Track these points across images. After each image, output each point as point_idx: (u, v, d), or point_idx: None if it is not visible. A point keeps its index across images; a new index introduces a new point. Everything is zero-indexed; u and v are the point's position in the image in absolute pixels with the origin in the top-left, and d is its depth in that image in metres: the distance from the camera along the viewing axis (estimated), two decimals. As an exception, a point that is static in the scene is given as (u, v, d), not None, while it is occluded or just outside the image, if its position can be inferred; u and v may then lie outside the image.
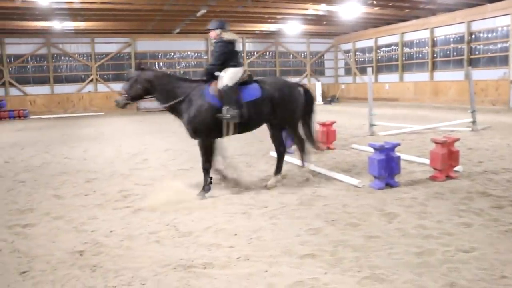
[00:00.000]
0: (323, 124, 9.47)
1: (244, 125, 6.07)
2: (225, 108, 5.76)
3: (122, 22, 24.36)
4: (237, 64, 6.11)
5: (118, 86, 28.56)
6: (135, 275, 3.47)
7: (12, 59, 27.24)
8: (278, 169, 6.52)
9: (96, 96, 28.51)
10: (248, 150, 9.73)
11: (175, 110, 6.04)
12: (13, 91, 27.29)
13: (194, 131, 5.96)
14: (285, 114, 6.23)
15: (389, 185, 5.95)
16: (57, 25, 23.56)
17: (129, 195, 6.04)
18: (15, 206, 5.69)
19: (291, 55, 32.86)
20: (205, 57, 30.54)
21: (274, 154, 8.59)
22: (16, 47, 27.15)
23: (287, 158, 8.19)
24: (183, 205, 5.36)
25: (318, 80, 31.74)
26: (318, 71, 33.70)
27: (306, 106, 6.52)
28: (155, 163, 8.50)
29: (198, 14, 21.39)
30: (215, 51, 6.11)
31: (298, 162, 7.74)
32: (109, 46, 28.58)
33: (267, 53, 32.43)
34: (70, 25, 24.03)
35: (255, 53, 31.87)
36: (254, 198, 5.64)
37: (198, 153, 9.14)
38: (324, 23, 26.55)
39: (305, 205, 5.31)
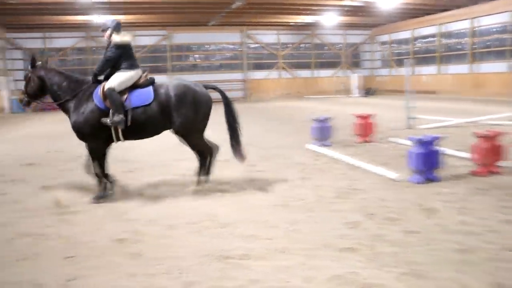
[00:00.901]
0: (360, 117, 9.35)
1: (135, 132, 5.60)
2: (111, 113, 5.36)
3: (159, 15, 24.65)
4: (129, 67, 5.64)
5: (155, 78, 28.95)
6: (174, 264, 3.52)
7: (55, 53, 27.99)
8: (206, 171, 5.94)
9: (135, 88, 28.97)
10: (284, 142, 9.71)
11: (65, 109, 5.69)
12: (55, 83, 27.96)
13: (78, 133, 5.62)
14: (183, 120, 5.56)
15: (429, 179, 5.84)
16: (97, 18, 24.04)
17: (170, 185, 6.15)
18: (61, 194, 5.86)
19: (327, 47, 32.51)
20: (240, 49, 30.56)
21: (311, 147, 8.58)
22: (58, 41, 27.89)
23: (324, 150, 8.16)
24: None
25: (354, 73, 31.30)
26: (354, 63, 33.25)
27: (226, 111, 6.18)
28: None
29: (234, 6, 21.41)
30: (103, 56, 5.73)
31: (332, 154, 7.70)
32: (146, 38, 28.95)
33: (302, 45, 32.19)
34: (109, 18, 24.42)
35: (290, 45, 31.66)
36: (291, 191, 5.64)
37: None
38: (361, 14, 26.14)
39: (342, 198, 5.27)
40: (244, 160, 6.10)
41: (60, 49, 28.04)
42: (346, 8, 24.05)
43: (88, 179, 6.63)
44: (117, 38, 5.70)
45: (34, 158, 8.93)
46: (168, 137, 11.06)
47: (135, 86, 5.62)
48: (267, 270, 3.38)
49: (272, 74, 31.33)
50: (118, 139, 5.62)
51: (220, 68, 30.57)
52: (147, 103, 5.50)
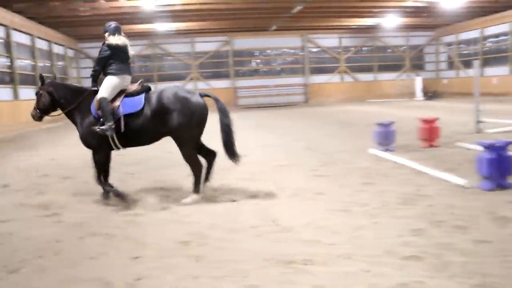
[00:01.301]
0: (425, 121, 9.05)
1: (131, 138, 5.70)
2: (102, 121, 5.49)
3: (220, 21, 25.09)
4: (118, 71, 5.74)
5: (217, 83, 29.57)
6: (237, 267, 3.54)
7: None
8: (197, 189, 5.73)
9: (197, 93, 29.61)
10: (346, 146, 9.56)
11: (72, 119, 5.97)
12: (122, 90, 29.13)
13: (85, 144, 5.86)
14: (176, 127, 5.55)
15: (501, 186, 5.54)
16: (159, 26, 24.83)
17: (230, 189, 6.21)
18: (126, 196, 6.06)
19: (389, 50, 31.80)
20: (301, 53, 30.51)
21: (373, 151, 8.40)
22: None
23: (388, 155, 7.97)
24: None
25: (418, 75, 30.39)
26: (418, 66, 32.30)
27: (220, 116, 6.01)
28: (255, 158, 8.63)
29: (294, 10, 21.42)
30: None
31: (396, 159, 7.49)
32: (208, 45, 29.61)
33: (364, 48, 31.67)
34: (172, 26, 25.20)
35: (352, 48, 31.24)
36: (354, 196, 5.53)
37: (297, 149, 9.29)
38: (424, 15, 25.40)
39: (408, 204, 5.10)
40: (239, 162, 6.03)
41: (126, 57, 29.14)
42: (408, 9, 23.47)
43: (152, 183, 6.85)
44: (111, 39, 5.80)
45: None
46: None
47: (129, 94, 5.74)
48: (330, 276, 3.33)
49: (334, 78, 31.06)
50: (116, 147, 5.77)
51: (281, 72, 30.66)
52: (138, 110, 5.57)
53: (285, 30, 28.79)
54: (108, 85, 5.67)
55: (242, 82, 30.09)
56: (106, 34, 5.89)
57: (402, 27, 29.00)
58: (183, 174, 7.38)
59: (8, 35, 18.97)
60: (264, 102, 29.29)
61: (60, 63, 25.77)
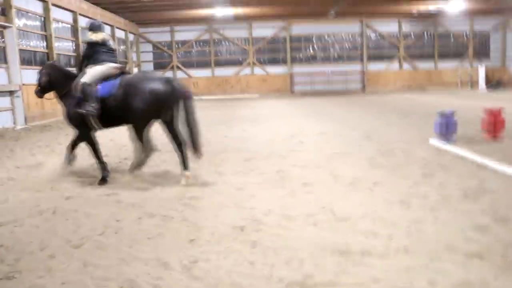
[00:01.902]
0: (490, 111, 8.60)
1: (107, 119, 6.09)
2: (84, 103, 5.96)
3: (278, 6, 24.87)
4: (99, 62, 6.24)
5: (273, 69, 29.51)
6: (292, 255, 3.50)
7: (180, 45, 29.65)
8: (184, 165, 6.00)
9: (253, 79, 29.74)
10: (404, 136, 9.26)
11: (61, 101, 6.46)
12: (179, 74, 29.80)
13: (69, 122, 6.37)
14: (133, 110, 5.80)
15: None
16: (218, 12, 24.95)
17: (286, 176, 6.15)
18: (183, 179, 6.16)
19: (452, 37, 30.46)
20: (359, 40, 29.82)
21: (434, 142, 8.10)
22: (183, 34, 29.51)
23: (449, 147, 7.65)
24: None
25: (481, 64, 28.93)
26: (482, 53, 30.74)
27: (175, 103, 5.88)
28: (311, 145, 8.56)
29: (354, -5, 20.91)
30: None
31: (458, 150, 7.19)
32: (265, 30, 29.50)
33: (425, 35, 30.51)
34: (230, 11, 25.25)
35: (412, 35, 30.17)
36: (413, 187, 5.33)
37: (353, 138, 9.10)
38: (492, -1, 24.08)
39: (470, 198, 4.87)
40: (201, 156, 6.06)
41: (184, 42, 29.63)
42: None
43: (208, 166, 6.91)
44: (92, 36, 6.41)
45: (157, 144, 9.45)
46: (282, 128, 11.20)
47: (107, 78, 6.19)
48: (388, 269, 3.23)
49: (392, 65, 30.19)
50: (97, 126, 6.21)
51: (338, 59, 30.13)
52: (110, 93, 6.00)
53: (344, 15, 28.16)
54: (92, 73, 6.20)
55: (299, 69, 29.83)
56: (89, 33, 6.48)
57: (466, 13, 27.64)
58: (239, 160, 7.43)
59: (75, 21, 19.68)
60: (321, 89, 28.96)
61: (121, 47, 26.49)
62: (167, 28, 29.36)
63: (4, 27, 14.17)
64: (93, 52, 6.36)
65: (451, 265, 3.26)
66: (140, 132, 6.03)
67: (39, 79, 6.68)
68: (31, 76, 15.59)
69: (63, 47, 18.88)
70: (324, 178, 5.95)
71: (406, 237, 3.81)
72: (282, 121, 13.21)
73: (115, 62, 6.48)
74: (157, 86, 5.83)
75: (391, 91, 28.38)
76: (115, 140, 10.43)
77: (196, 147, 5.97)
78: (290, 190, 5.43)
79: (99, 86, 6.08)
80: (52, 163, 7.29)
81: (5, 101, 13.99)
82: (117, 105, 5.95)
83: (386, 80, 29.90)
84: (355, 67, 29.92)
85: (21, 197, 5.61)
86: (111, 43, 6.60)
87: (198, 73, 29.87)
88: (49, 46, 17.22)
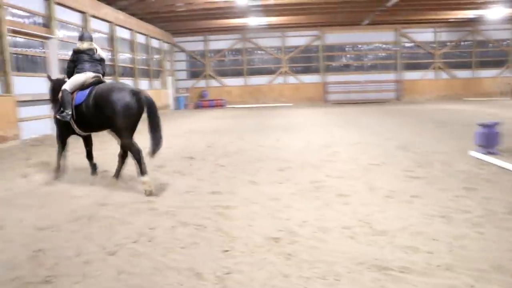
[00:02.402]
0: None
1: (84, 125, 6.56)
2: (61, 109, 6.47)
3: (311, 15, 24.82)
4: (79, 71, 6.65)
5: (306, 78, 29.38)
6: (329, 269, 3.41)
7: (213, 54, 29.93)
8: (141, 171, 6.12)
9: (286, 88, 29.72)
10: (443, 147, 9.00)
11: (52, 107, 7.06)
12: (213, 83, 30.06)
13: (55, 124, 6.96)
14: (105, 119, 6.15)
15: None
16: (252, 21, 25.09)
17: (321, 186, 6.05)
18: (217, 188, 6.16)
19: (491, 44, 29.62)
20: (394, 48, 29.40)
21: (474, 154, 7.85)
22: (216, 43, 29.78)
23: (491, 159, 7.39)
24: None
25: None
26: (525, 62, 29.73)
27: (145, 112, 6.15)
28: (345, 156, 8.42)
29: (389, 4, 20.60)
30: None
31: (501, 163, 6.93)
32: (298, 39, 29.48)
33: (462, 43, 29.80)
34: (263, 20, 25.36)
35: (449, 43, 29.52)
36: (454, 201, 5.13)
37: (389, 148, 8.92)
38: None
39: (516, 214, 4.65)
40: (153, 156, 6.30)
41: (218, 51, 29.87)
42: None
43: (242, 176, 6.88)
44: (78, 45, 6.83)
45: (192, 152, 9.55)
46: (316, 138, 11.08)
47: (83, 87, 6.55)
48: (430, 287, 3.10)
49: (428, 74, 29.62)
50: (78, 131, 6.74)
51: (372, 68, 29.78)
52: (82, 101, 6.36)
53: (378, 24, 27.85)
54: (72, 81, 6.62)
55: (332, 77, 29.59)
56: (78, 42, 6.92)
57: (508, 19, 26.84)
58: (273, 169, 7.37)
59: (112, 31, 20.12)
60: (354, 98, 28.65)
61: (156, 56, 26.91)
62: (201, 37, 29.67)
63: (47, 38, 14.59)
64: (77, 60, 6.78)
65: (498, 286, 3.09)
66: (126, 139, 6.24)
67: (50, 95, 7.29)
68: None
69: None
70: (360, 189, 5.82)
71: (448, 253, 3.65)
72: (316, 130, 13.10)
73: (98, 71, 6.83)
74: (124, 96, 6.04)
75: (427, 100, 27.84)
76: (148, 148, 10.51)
77: (154, 150, 6.23)
78: (325, 201, 5.33)
79: (76, 94, 6.51)
80: (87, 169, 7.39)
81: (45, 109, 14.35)
82: (89, 112, 6.29)
83: (421, 89, 29.34)
84: (390, 76, 29.50)
85: (58, 202, 5.70)
86: (98, 53, 6.94)
87: (231, 82, 30.04)
88: (86, 55, 17.61)
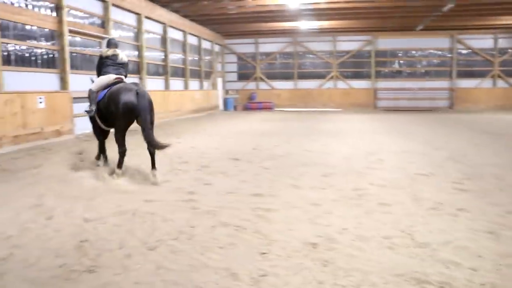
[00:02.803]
0: None
1: (105, 121, 7.47)
2: (88, 105, 7.51)
3: (363, 20, 24.49)
4: (104, 74, 7.62)
5: (356, 84, 29.01)
6: (364, 278, 3.36)
7: (264, 57, 30.08)
8: (119, 164, 7.09)
9: (336, 93, 29.45)
10: (497, 160, 8.64)
11: None
12: (262, 85, 30.21)
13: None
14: (111, 115, 7.07)
15: None
16: (303, 25, 25.04)
17: (363, 194, 5.97)
18: (259, 191, 6.19)
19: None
20: (448, 55, 28.51)
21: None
22: (267, 46, 29.93)
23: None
24: None
25: None
26: None
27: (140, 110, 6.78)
28: (391, 164, 8.26)
29: (445, 9, 19.98)
30: None
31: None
32: (350, 44, 29.16)
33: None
34: (315, 24, 25.26)
35: (510, 50, 28.23)
36: (504, 217, 4.90)
37: (438, 158, 8.68)
38: None
39: None
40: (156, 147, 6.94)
41: (268, 54, 30.00)
42: None
43: (285, 179, 6.89)
44: (103, 51, 7.97)
45: (238, 153, 9.64)
46: (362, 145, 10.93)
47: (108, 86, 7.44)
48: (470, 304, 3.00)
49: (484, 82, 28.49)
50: (103, 126, 7.64)
51: (425, 75, 29.02)
52: (101, 99, 7.32)
53: (433, 30, 27.06)
54: (97, 82, 7.62)
55: (383, 83, 29.08)
56: (104, 48, 8.08)
57: None
58: (317, 174, 7.34)
59: (165, 32, 20.62)
60: (405, 105, 28.02)
61: (207, 57, 27.34)
62: (252, 40, 29.90)
63: (103, 38, 15.15)
64: (101, 64, 7.81)
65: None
66: (118, 135, 7.10)
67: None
68: (122, 82, 16.54)
69: (153, 56, 19.81)
70: (403, 199, 5.69)
71: (493, 272, 3.49)
72: (363, 136, 12.93)
73: (120, 74, 7.74)
74: (128, 97, 6.82)
75: (482, 110, 26.82)
76: (196, 147, 10.73)
77: (153, 144, 6.89)
78: (366, 209, 5.25)
79: (100, 93, 7.47)
80: (134, 166, 7.61)
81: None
82: (105, 109, 7.21)
83: (476, 98, 28.27)
84: (443, 83, 28.63)
85: (106, 196, 5.91)
86: (121, 57, 7.86)
87: (281, 85, 30.09)
88: (140, 55, 18.16)
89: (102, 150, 8.02)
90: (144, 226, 4.65)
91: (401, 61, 29.35)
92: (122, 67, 7.86)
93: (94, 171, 7.45)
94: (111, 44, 7.94)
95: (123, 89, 6.94)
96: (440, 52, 28.93)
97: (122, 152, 7.08)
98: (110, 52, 7.81)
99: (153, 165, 6.95)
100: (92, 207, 5.39)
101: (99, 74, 7.76)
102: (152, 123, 6.93)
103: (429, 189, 6.24)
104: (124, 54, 8.03)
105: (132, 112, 6.84)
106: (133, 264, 3.66)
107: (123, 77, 7.74)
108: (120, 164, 7.06)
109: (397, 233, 4.37)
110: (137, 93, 6.80)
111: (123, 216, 5.02)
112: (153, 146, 6.88)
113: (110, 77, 7.57)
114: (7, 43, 10.88)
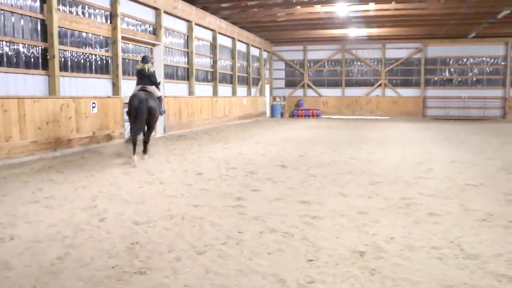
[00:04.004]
0: None
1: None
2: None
3: (414, 27, 24.02)
4: (137, 84, 9.92)
5: (405, 92, 28.45)
6: (413, 288, 3.33)
7: (312, 64, 30.01)
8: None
9: (383, 101, 28.99)
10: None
11: None
12: (309, 92, 30.14)
13: None
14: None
15: None
16: (352, 32, 24.84)
17: (411, 203, 5.87)
18: (306, 198, 6.21)
19: None
20: (502, 63, 27.46)
21: None
22: (315, 53, 29.85)
23: None
24: None
25: None
26: None
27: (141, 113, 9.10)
28: (441, 174, 8.08)
29: (500, 16, 19.33)
30: None
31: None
32: (399, 51, 28.64)
33: None
34: (364, 31, 24.99)
35: None
36: (560, 230, 4.74)
37: (490, 169, 8.41)
38: None
39: None
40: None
41: (317, 61, 29.91)
42: None
43: (331, 187, 6.87)
44: (136, 66, 10.32)
45: (285, 160, 9.68)
46: (410, 154, 10.72)
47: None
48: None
49: (542, 91, 27.20)
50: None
51: (476, 83, 28.07)
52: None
53: (486, 37, 26.20)
54: (133, 90, 9.95)
55: (432, 92, 28.35)
56: (140, 64, 10.14)
57: None
58: (364, 183, 7.28)
59: (214, 38, 20.98)
60: (455, 114, 27.23)
61: (255, 64, 27.57)
62: (300, 47, 29.91)
63: (154, 45, 15.60)
64: (136, 77, 10.05)
65: None
66: (130, 127, 9.50)
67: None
68: (172, 89, 16.95)
69: (202, 63, 20.18)
70: (453, 210, 5.56)
71: (547, 286, 3.40)
72: (412, 145, 12.68)
73: (144, 84, 9.75)
74: (133, 97, 9.24)
75: (539, 120, 25.72)
76: (243, 154, 10.84)
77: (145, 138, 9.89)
78: (415, 219, 5.17)
79: None
80: (183, 171, 7.79)
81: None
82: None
83: (532, 107, 27.10)
84: (496, 92, 27.59)
85: (155, 200, 6.08)
86: (148, 70, 9.85)
87: (328, 92, 29.91)
88: (189, 62, 18.55)
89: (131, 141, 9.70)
90: (192, 231, 4.75)
91: (451, 69, 28.53)
92: (149, 78, 9.87)
93: (144, 175, 7.67)
94: (142, 59, 10.10)
95: (132, 96, 9.36)
96: (493, 60, 27.92)
97: (130, 138, 9.31)
98: (139, 67, 10.01)
99: (145, 151, 9.87)
100: (143, 210, 5.55)
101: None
102: (150, 125, 9.64)
103: (479, 200, 6.07)
104: (151, 66, 10.14)
105: (131, 112, 9.10)
106: (182, 267, 3.75)
107: (147, 86, 9.74)
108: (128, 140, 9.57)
109: (446, 244, 4.29)
110: (138, 99, 9.07)
111: (172, 220, 5.15)
112: (144, 142, 9.86)
113: (136, 87, 9.81)
114: (64, 50, 11.36)
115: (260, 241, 4.41)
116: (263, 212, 5.45)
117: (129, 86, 13.51)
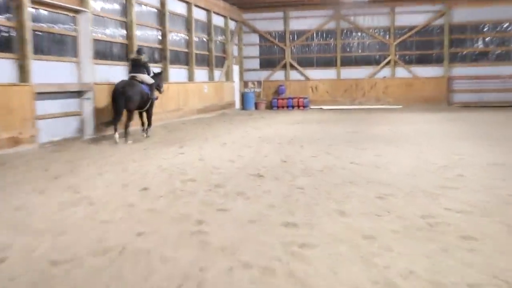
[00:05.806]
0: None
1: None
2: None
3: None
4: (129, 72, 15.49)
5: (423, 71, 28.69)
6: None
7: (296, 36, 30.10)
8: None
9: (393, 83, 29.30)
10: None
11: None
12: (293, 75, 30.33)
13: None
14: None
15: None
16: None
17: (436, 223, 5.88)
18: (291, 219, 6.16)
19: None
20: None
21: None
22: (300, 22, 29.97)
23: None
24: None
25: None
26: None
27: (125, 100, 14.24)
28: (475, 182, 8.16)
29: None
30: None
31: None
32: (413, 17, 28.93)
33: None
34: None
35: None
36: None
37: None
38: None
39: None
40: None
41: (302, 32, 30.04)
42: None
43: (327, 207, 6.86)
44: (130, 55, 15.74)
45: (261, 168, 9.65)
46: (432, 155, 10.82)
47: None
48: None
49: None
50: None
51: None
52: None
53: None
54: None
55: (460, 70, 28.63)
56: (135, 54, 15.81)
57: None
58: (369, 196, 7.28)
59: (162, 4, 20.95)
60: (492, 100, 27.60)
61: (219, 37, 27.51)
62: (280, 14, 30.01)
63: (78, 12, 15.30)
64: (130, 65, 15.58)
65: None
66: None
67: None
68: (104, 72, 16.69)
69: (146, 36, 20.07)
70: (495, 231, 5.59)
71: None
72: (433, 143, 12.86)
73: (137, 72, 15.05)
74: (115, 85, 14.43)
75: None
76: (206, 160, 10.79)
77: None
78: (442, 245, 5.16)
79: None
80: (122, 185, 7.66)
81: (71, 104, 15.03)
82: None
83: None
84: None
85: (82, 228, 5.95)
86: (142, 59, 15.31)
87: (319, 74, 30.09)
88: (128, 35, 18.38)
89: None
90: (136, 269, 4.63)
91: (486, 39, 28.78)
92: (143, 66, 15.32)
93: (66, 194, 7.52)
94: (137, 52, 15.67)
95: (118, 82, 14.53)
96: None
97: (108, 122, 14.60)
98: (133, 56, 15.65)
99: (126, 136, 14.30)
100: (63, 243, 5.39)
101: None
102: (129, 108, 14.30)
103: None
104: (146, 58, 15.72)
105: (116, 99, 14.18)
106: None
107: (137, 74, 14.95)
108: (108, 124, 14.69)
109: (488, 279, 4.27)
110: (116, 88, 14.19)
111: (106, 255, 4.99)
112: (126, 126, 14.38)
113: (129, 75, 15.13)
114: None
115: (229, 281, 4.32)
116: (233, 240, 5.37)
117: (47, 69, 13.28)
